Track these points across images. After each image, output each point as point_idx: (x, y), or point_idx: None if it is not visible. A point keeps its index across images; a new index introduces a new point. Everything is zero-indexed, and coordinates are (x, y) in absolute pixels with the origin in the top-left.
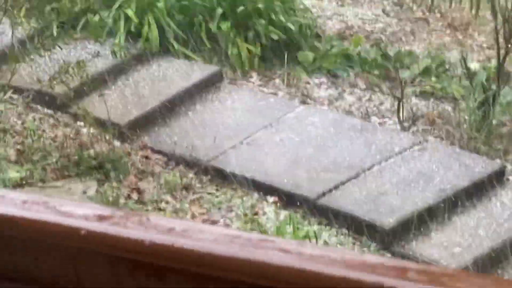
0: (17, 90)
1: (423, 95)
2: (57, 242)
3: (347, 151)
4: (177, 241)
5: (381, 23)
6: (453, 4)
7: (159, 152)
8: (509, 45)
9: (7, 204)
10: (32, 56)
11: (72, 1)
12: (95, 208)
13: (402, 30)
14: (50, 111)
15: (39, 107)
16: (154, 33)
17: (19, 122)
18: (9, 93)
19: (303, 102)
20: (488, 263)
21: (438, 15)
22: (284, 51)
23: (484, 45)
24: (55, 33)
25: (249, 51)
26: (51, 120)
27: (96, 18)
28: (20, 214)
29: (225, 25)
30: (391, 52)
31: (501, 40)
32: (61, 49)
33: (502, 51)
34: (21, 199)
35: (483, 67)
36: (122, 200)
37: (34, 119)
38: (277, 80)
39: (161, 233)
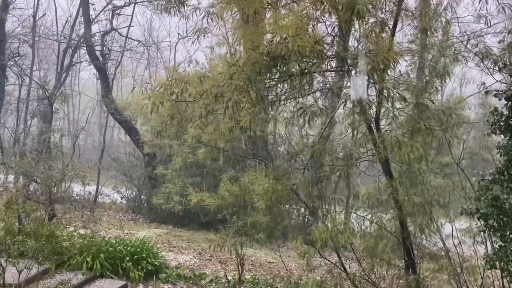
0: None
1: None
2: None
3: None
4: None
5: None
6: None
7: None
8: (241, 270)
9: None
10: None
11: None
12: None
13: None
14: None
15: None
16: (98, 266)
17: None
18: None
19: None
20: None
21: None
22: (154, 274)
23: (233, 268)
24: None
25: (139, 275)
26: None
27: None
28: None
29: (129, 264)
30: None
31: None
32: None
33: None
34: None
35: (233, 278)
36: None
37: None
38: (150, 281)
39: None
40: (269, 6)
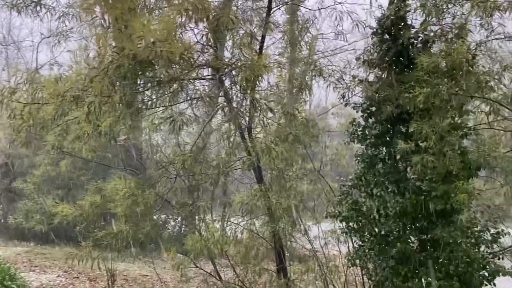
0: None
1: None
2: None
3: None
4: None
5: None
6: None
7: None
8: (112, 286)
9: None
10: None
11: None
12: None
13: None
14: None
15: None
16: None
17: None
18: None
19: None
20: None
21: None
22: None
23: (103, 285)
24: None
25: None
26: None
27: None
28: None
29: None
30: None
31: None
32: None
33: None
34: None
35: None
36: None
37: None
38: None
39: None
40: (137, 9)
